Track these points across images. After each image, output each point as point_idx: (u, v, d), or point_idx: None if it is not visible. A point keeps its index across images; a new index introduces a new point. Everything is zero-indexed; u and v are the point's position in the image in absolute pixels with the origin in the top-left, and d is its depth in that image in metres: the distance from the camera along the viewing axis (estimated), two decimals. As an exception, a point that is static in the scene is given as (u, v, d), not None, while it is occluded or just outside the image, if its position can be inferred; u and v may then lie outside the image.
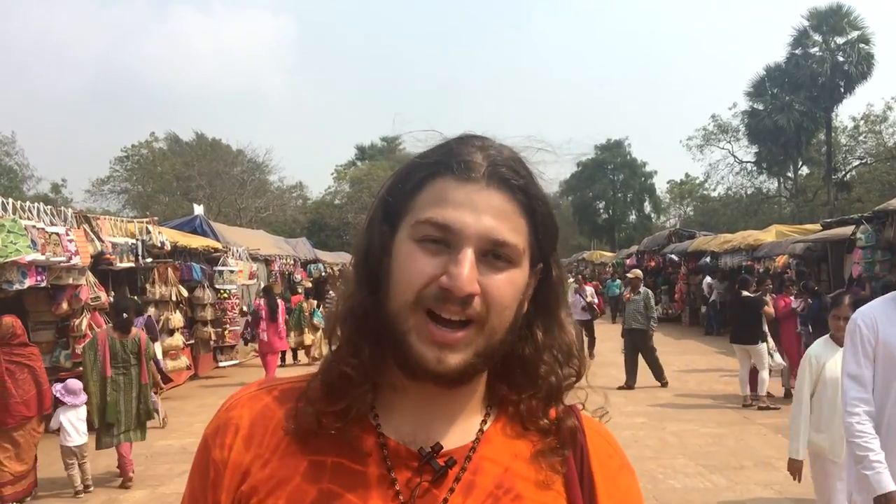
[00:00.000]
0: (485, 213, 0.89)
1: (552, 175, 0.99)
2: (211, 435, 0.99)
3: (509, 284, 0.91)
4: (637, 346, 12.56)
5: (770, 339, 11.04)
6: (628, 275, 13.91)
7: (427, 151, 0.96)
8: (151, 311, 12.70)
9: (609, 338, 17.76)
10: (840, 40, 37.75)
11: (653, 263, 27.66)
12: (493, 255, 0.90)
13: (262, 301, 14.18)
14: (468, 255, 0.88)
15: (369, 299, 0.94)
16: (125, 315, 7.99)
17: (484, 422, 0.98)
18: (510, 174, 0.92)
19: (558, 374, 0.99)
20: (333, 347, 0.98)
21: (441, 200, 0.90)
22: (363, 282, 0.95)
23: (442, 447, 0.93)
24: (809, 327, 11.18)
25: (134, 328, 8.12)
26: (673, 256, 25.90)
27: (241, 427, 0.97)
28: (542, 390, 0.99)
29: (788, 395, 11.24)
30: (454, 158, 0.92)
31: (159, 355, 10.47)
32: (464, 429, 0.96)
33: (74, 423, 7.30)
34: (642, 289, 12.82)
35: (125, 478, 7.73)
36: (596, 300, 18.17)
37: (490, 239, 0.89)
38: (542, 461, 0.96)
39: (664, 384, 12.56)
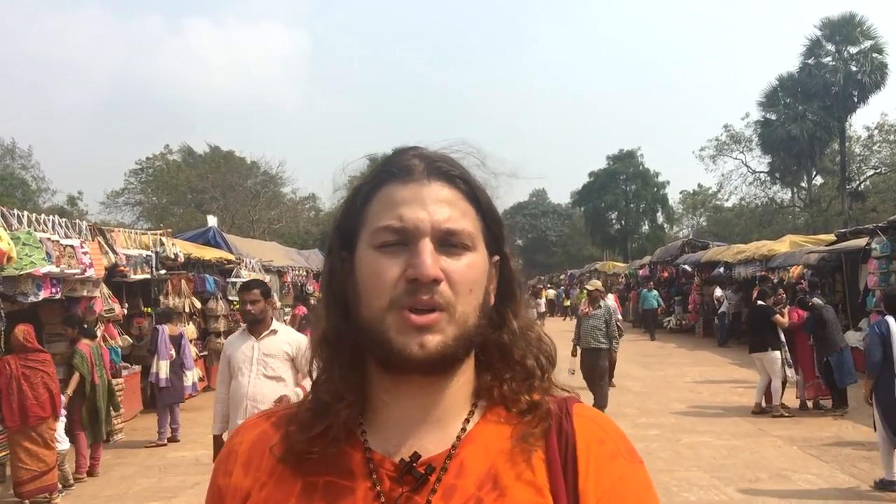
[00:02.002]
0: (433, 204, 0.95)
1: (481, 178, 1.03)
2: (217, 463, 1.05)
3: (470, 268, 0.95)
4: (593, 368, 10.95)
5: (785, 350, 11.02)
6: (587, 286, 12.19)
7: (368, 172, 1.02)
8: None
9: (634, 349, 16.96)
10: (853, 50, 37.56)
11: (666, 274, 27.58)
12: (450, 243, 0.94)
13: (303, 310, 14.17)
14: (426, 245, 0.92)
15: (341, 322, 0.99)
16: (86, 325, 9.06)
17: (468, 421, 0.99)
18: (447, 167, 0.98)
19: (533, 358, 1.02)
20: (314, 374, 1.03)
21: (390, 204, 0.95)
22: (332, 307, 1.00)
23: (420, 455, 0.95)
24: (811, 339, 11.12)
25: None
26: (686, 267, 25.78)
27: (241, 453, 1.02)
28: (520, 373, 1.01)
29: (804, 407, 11.17)
30: (393, 166, 0.98)
31: (162, 374, 10.31)
32: (447, 433, 0.98)
33: (62, 431, 7.92)
34: (603, 303, 11.39)
35: (81, 474, 8.44)
36: (619, 316, 16.67)
37: (443, 228, 0.94)
38: (523, 444, 0.97)
39: None
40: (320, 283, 1.05)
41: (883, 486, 7.14)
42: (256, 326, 5.30)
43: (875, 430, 7.50)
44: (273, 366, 5.22)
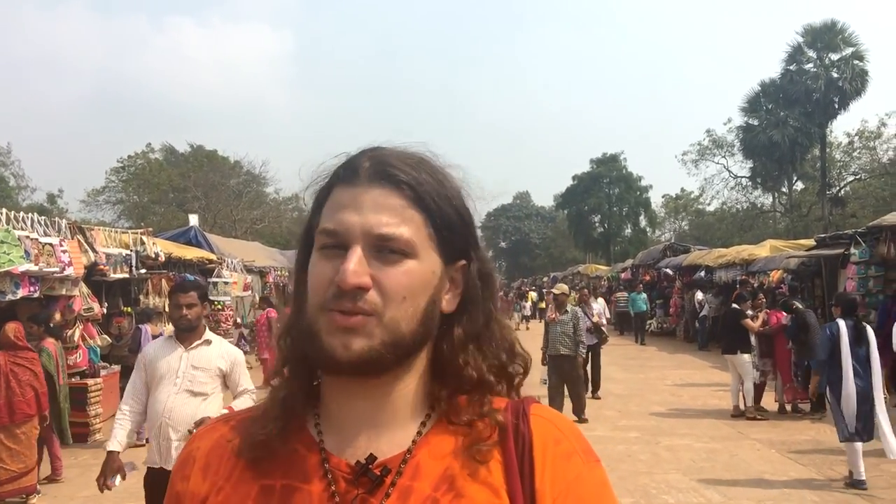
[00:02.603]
0: (369, 210, 0.93)
1: (455, 182, 1.02)
2: (175, 469, 1.05)
3: (405, 275, 0.93)
4: (563, 375, 10.64)
5: (754, 355, 11.20)
6: (553, 290, 11.45)
7: (331, 171, 1.01)
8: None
9: (616, 352, 15.55)
10: (834, 57, 37.90)
11: (648, 277, 27.67)
12: (388, 249, 0.93)
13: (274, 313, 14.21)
14: (355, 252, 0.92)
15: (298, 317, 0.99)
16: (52, 324, 9.08)
17: (423, 424, 0.99)
18: (394, 171, 0.96)
19: (480, 367, 1.00)
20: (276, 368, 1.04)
21: (333, 207, 0.96)
22: (293, 303, 1.02)
23: (376, 457, 0.95)
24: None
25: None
26: (668, 270, 25.90)
27: (199, 458, 1.02)
28: (467, 384, 1.00)
29: (782, 410, 11.26)
30: (344, 168, 0.99)
31: None
32: (402, 435, 0.98)
33: None
34: (570, 307, 10.90)
35: (58, 476, 8.29)
36: (604, 320, 15.09)
37: (375, 234, 0.93)
38: (469, 454, 0.96)
39: (583, 420, 10.71)
40: (289, 280, 1.07)
41: (854, 484, 7.39)
42: (187, 334, 4.57)
43: (839, 435, 7.66)
44: (201, 380, 4.52)
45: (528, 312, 34.25)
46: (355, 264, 0.91)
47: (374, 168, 0.96)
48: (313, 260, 0.96)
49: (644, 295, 24.97)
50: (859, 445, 7.35)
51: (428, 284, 0.96)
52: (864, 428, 7.37)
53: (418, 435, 0.98)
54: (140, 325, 10.72)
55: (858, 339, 7.63)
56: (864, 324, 7.90)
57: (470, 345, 1.01)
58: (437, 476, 0.95)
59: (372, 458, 0.94)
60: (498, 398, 1.01)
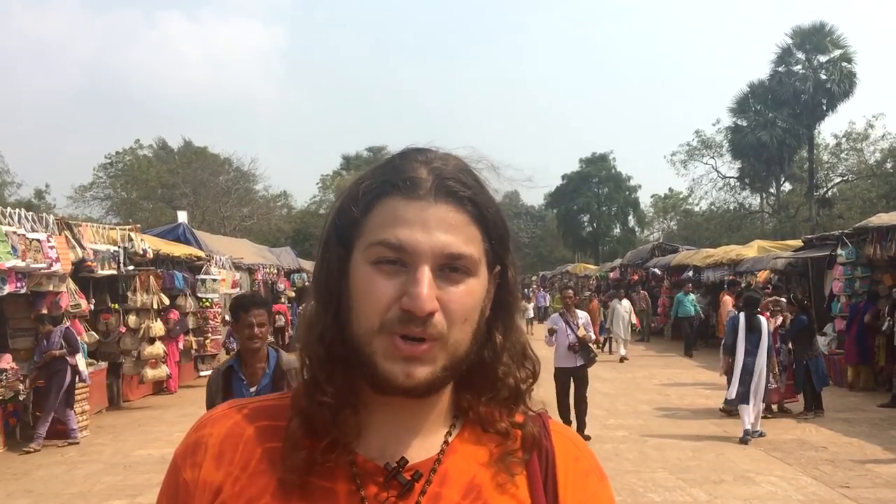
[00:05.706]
0: (437, 228, 0.89)
1: (495, 186, 0.98)
2: (181, 455, 0.98)
3: (469, 296, 0.91)
4: None
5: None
6: None
7: (372, 171, 0.95)
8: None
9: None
10: (823, 58, 38.18)
11: (636, 277, 27.77)
12: (450, 268, 0.89)
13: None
14: (425, 274, 0.87)
15: (334, 323, 0.94)
16: None
17: (450, 433, 0.98)
18: (457, 186, 0.92)
19: (516, 376, 0.99)
20: (306, 375, 0.96)
21: (392, 220, 0.89)
22: (327, 305, 0.95)
23: (407, 461, 0.93)
24: (789, 344, 11.24)
25: None
26: (656, 270, 25.99)
27: (211, 445, 0.96)
28: (502, 392, 0.98)
29: (769, 411, 11.30)
30: (399, 176, 0.92)
31: (82, 367, 10.11)
32: (430, 441, 0.96)
33: None
34: None
35: None
36: (592, 333, 10.41)
37: (445, 254, 0.89)
38: (501, 465, 0.96)
39: None
40: (313, 279, 0.99)
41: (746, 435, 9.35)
42: None
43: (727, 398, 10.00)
44: None
45: (531, 315, 29.64)
46: (429, 289, 0.87)
47: (437, 183, 0.91)
48: (363, 272, 0.90)
49: (692, 296, 20.77)
50: (744, 407, 9.43)
51: (481, 302, 0.94)
52: (746, 394, 9.46)
53: (445, 443, 0.97)
54: (66, 327, 10.04)
55: (752, 328, 9.55)
56: (759, 316, 9.81)
57: (504, 354, 0.99)
58: (464, 484, 0.94)
59: (404, 461, 0.93)
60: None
